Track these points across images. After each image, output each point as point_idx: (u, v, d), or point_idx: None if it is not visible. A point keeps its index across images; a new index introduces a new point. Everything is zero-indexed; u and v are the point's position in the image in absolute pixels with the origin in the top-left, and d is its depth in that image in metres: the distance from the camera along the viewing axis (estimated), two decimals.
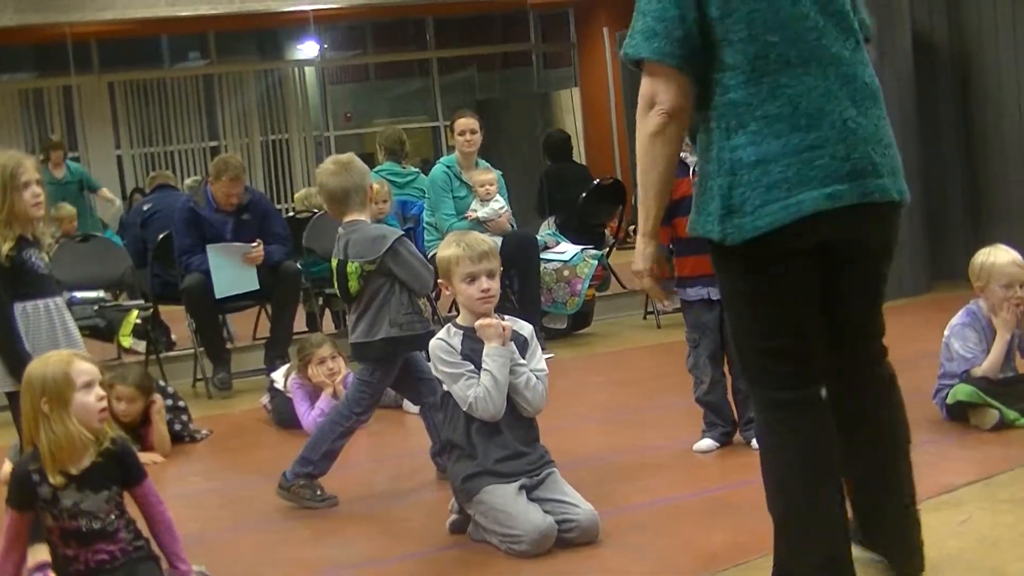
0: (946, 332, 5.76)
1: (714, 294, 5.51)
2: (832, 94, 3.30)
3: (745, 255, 3.30)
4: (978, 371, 5.60)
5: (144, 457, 6.34)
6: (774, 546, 3.47)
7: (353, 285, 5.30)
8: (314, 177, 16.17)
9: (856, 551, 3.49)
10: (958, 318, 5.76)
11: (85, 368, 3.96)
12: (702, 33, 3.28)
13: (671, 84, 3.28)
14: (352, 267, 5.27)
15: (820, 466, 3.39)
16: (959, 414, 5.62)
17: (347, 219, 5.34)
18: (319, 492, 5.32)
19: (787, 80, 3.26)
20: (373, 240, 5.25)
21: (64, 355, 4.04)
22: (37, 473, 3.94)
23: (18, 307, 4.88)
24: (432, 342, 4.71)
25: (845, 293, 3.50)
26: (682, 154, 5.38)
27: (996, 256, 5.68)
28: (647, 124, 3.32)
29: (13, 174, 4.84)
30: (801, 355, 3.39)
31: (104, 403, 3.97)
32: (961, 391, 5.54)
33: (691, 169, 5.42)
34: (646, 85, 3.31)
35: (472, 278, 4.62)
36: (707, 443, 5.65)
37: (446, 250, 4.68)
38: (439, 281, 4.79)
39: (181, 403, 7.09)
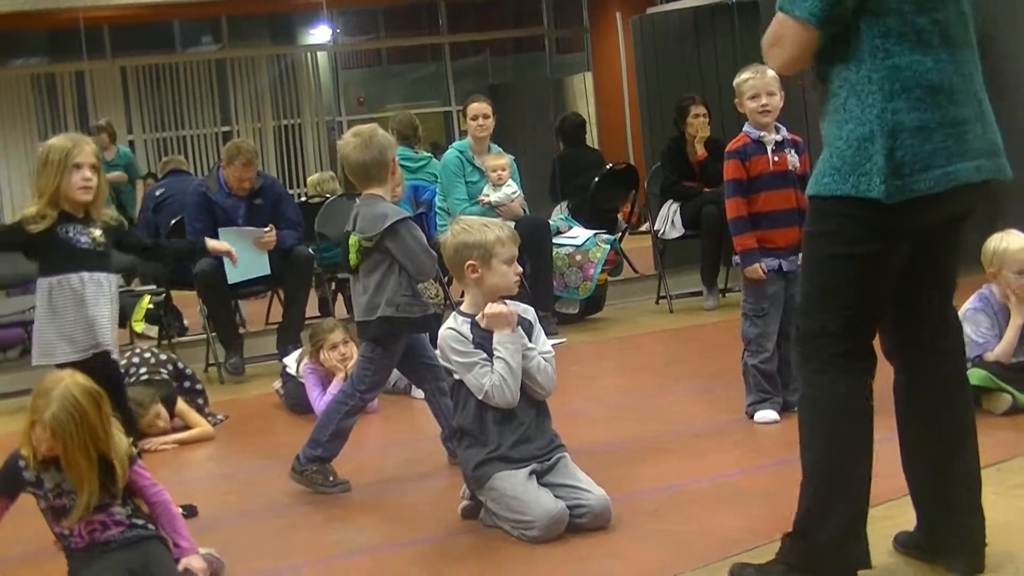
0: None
1: (786, 266, 5.68)
2: (971, 76, 3.48)
3: (888, 217, 3.38)
4: (991, 356, 5.60)
5: (165, 440, 6.45)
6: (801, 506, 3.56)
7: (352, 259, 5.31)
8: (326, 162, 16.31)
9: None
10: (970, 303, 5.75)
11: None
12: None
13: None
14: (353, 240, 5.28)
15: (865, 437, 3.50)
16: (972, 399, 5.59)
17: (366, 192, 5.33)
18: (331, 477, 5.33)
19: (946, 56, 3.42)
20: (376, 218, 5.21)
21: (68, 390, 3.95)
22: (24, 459, 3.98)
23: (44, 282, 5.02)
24: (442, 332, 4.68)
25: (937, 269, 3.66)
26: (760, 133, 5.71)
27: (1009, 242, 5.67)
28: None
29: (68, 154, 5.00)
30: (873, 326, 3.55)
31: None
32: (974, 375, 5.51)
33: (769, 148, 5.77)
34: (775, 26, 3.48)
35: (512, 260, 4.65)
36: (770, 414, 5.63)
37: (484, 232, 4.63)
38: (469, 264, 4.64)
39: (198, 386, 7.10)
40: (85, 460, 3.89)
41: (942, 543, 3.68)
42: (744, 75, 5.84)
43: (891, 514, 4.03)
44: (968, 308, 5.74)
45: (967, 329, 5.69)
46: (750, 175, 5.76)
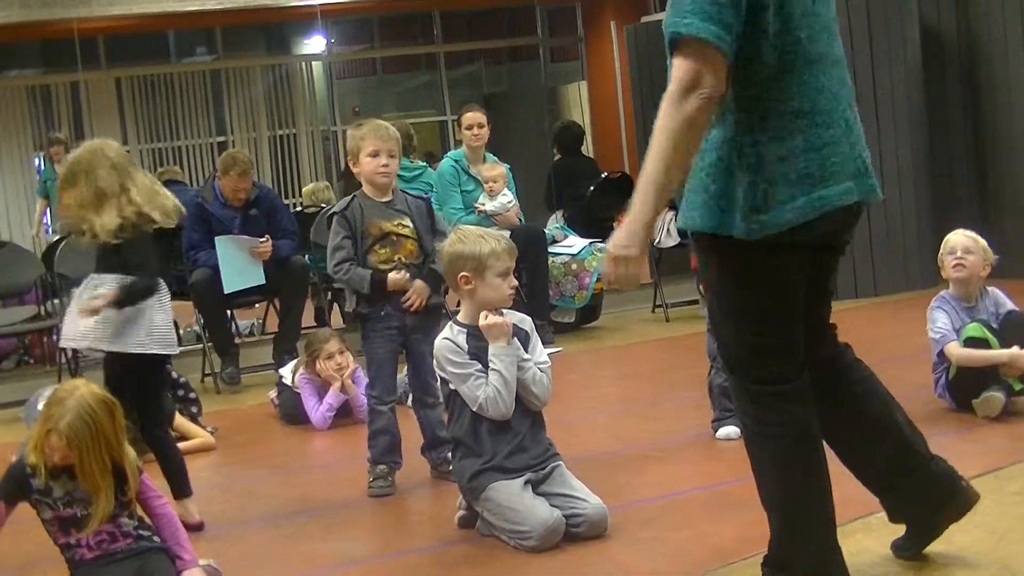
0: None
1: None
2: (835, 93, 3.33)
3: (757, 250, 3.25)
4: (951, 347, 5.58)
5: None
6: (772, 535, 3.50)
7: None
8: (322, 172, 16.30)
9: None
10: (931, 303, 5.77)
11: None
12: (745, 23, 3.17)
13: (719, 69, 3.10)
14: None
15: (817, 455, 3.43)
16: (961, 388, 5.58)
17: None
18: (370, 478, 5.40)
19: (807, 78, 3.26)
20: None
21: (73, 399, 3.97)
22: (32, 467, 3.97)
23: None
24: (438, 342, 4.69)
25: (822, 288, 3.57)
26: None
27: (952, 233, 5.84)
28: (684, 108, 3.09)
29: None
30: (792, 347, 3.41)
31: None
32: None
33: None
34: (688, 67, 3.09)
35: (507, 273, 4.63)
36: (733, 429, 5.61)
37: (480, 244, 4.62)
38: (462, 276, 4.64)
39: (192, 395, 7.06)
40: (100, 468, 3.90)
41: (925, 509, 3.70)
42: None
43: (886, 522, 4.03)
44: (929, 308, 5.76)
45: (928, 328, 5.70)
46: None
